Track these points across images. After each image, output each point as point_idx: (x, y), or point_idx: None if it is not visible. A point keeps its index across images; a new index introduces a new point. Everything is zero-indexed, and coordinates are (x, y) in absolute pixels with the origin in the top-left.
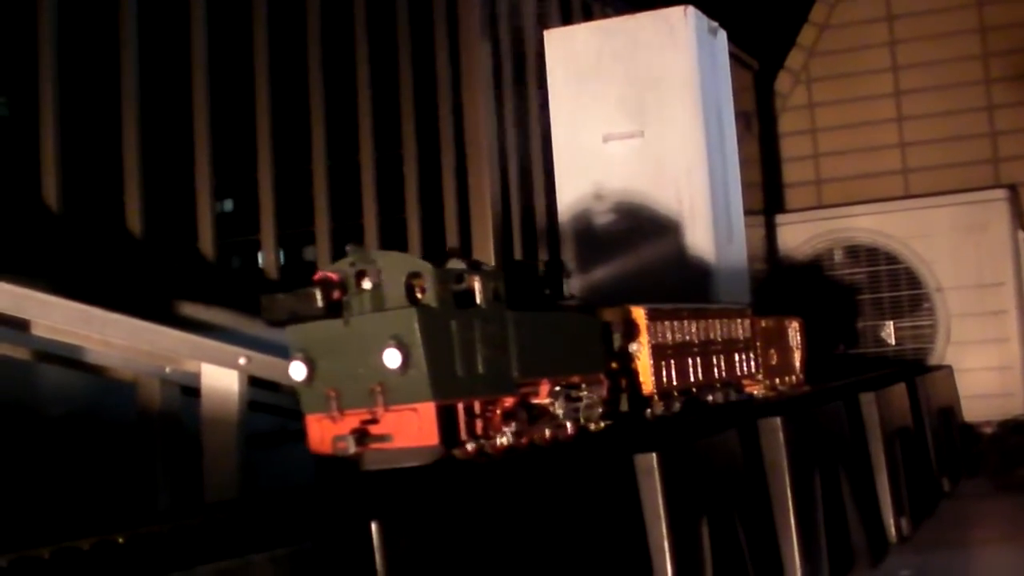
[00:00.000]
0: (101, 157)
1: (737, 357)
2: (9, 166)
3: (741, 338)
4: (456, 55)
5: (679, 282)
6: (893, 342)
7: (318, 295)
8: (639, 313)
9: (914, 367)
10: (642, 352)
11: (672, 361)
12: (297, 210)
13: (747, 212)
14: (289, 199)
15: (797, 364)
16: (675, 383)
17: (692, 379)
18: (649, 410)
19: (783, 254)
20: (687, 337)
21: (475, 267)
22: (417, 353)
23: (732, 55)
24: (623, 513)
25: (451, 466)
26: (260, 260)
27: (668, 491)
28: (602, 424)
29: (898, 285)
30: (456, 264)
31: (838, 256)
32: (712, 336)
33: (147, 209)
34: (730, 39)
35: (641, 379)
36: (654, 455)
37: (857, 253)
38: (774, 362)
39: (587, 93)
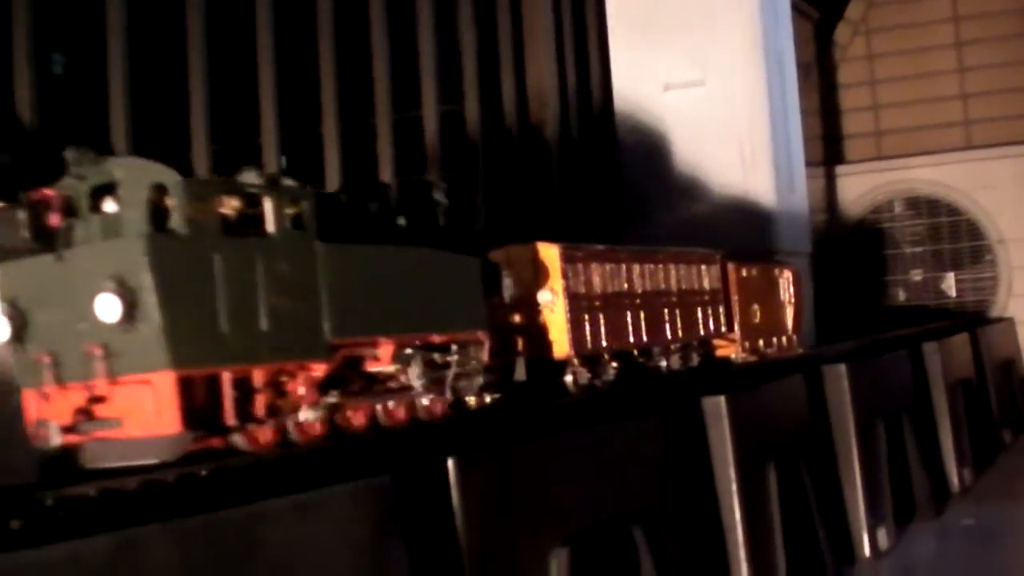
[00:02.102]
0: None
1: (702, 312)
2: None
3: (708, 288)
4: (518, 7)
5: (740, 230)
6: (954, 294)
7: (23, 219)
8: (550, 253)
9: (975, 319)
10: (556, 303)
11: (600, 315)
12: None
13: (807, 163)
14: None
15: (789, 322)
16: (604, 343)
17: (632, 339)
18: (570, 378)
19: (843, 205)
20: (625, 285)
21: (270, 183)
22: (147, 300)
23: (793, 5)
24: (690, 454)
25: (524, 405)
26: None
27: (736, 435)
28: (486, 398)
29: (959, 237)
30: (249, 178)
31: (898, 207)
32: (664, 285)
33: None
34: None
35: (552, 338)
36: (722, 398)
37: (918, 204)
38: (757, 320)
39: (648, 42)
